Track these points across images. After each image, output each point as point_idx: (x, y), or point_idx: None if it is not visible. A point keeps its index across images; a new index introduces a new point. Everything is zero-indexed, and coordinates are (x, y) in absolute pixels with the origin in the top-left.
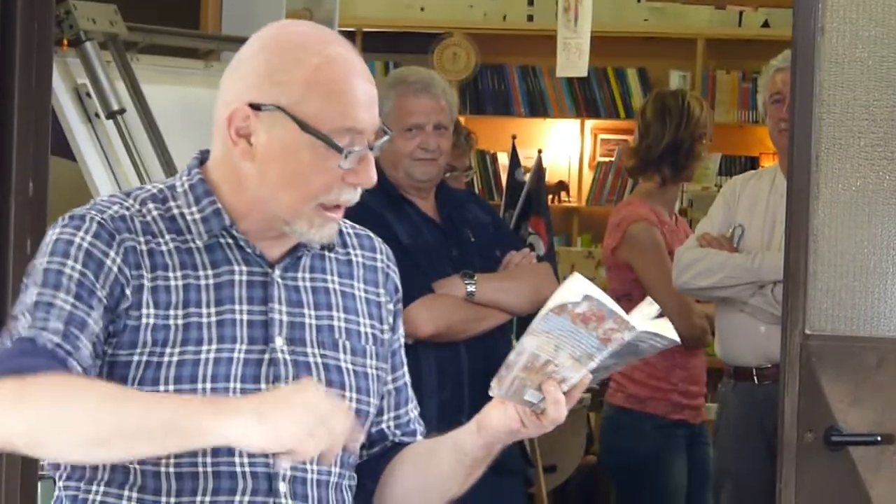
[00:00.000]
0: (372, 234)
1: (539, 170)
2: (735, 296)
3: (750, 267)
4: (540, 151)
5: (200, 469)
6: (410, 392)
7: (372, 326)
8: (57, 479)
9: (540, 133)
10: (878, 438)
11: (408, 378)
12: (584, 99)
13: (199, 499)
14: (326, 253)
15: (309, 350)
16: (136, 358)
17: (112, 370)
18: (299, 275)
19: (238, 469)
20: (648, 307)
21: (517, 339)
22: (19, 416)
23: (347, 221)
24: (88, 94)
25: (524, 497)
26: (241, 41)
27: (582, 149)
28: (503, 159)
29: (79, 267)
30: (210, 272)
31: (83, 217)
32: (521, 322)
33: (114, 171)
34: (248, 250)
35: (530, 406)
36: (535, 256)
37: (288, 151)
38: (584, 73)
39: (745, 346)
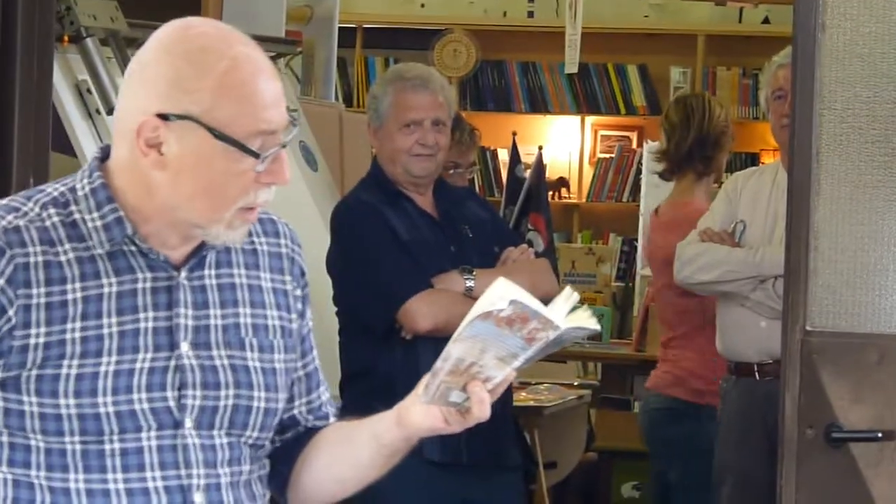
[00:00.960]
0: (276, 218)
1: (539, 166)
2: (736, 290)
3: (751, 261)
4: (540, 148)
5: (111, 486)
6: (321, 375)
7: (280, 318)
8: None
9: (540, 129)
10: (879, 435)
11: (317, 362)
12: (585, 95)
13: None
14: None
15: (215, 353)
16: (25, 373)
17: (5, 387)
18: (206, 272)
19: (150, 485)
20: (566, 299)
21: None
22: None
23: None
24: (89, 90)
25: (524, 493)
26: None
27: (582, 145)
28: (503, 156)
29: None
30: (114, 279)
31: None
32: None
33: None
34: (153, 257)
35: (455, 406)
36: (534, 253)
37: (201, 160)
38: (575, 69)
39: (746, 342)
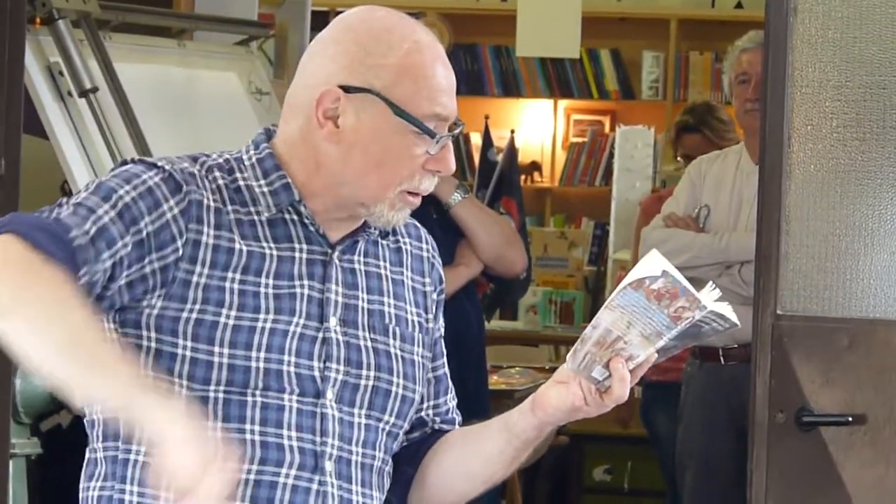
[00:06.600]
0: (418, 224)
1: (512, 150)
2: (702, 276)
3: (717, 247)
4: (513, 131)
5: (248, 437)
6: (450, 382)
7: (418, 315)
8: (90, 441)
9: (513, 113)
10: (850, 419)
11: (447, 368)
12: (558, 79)
13: (245, 466)
14: (380, 240)
15: (360, 333)
16: (185, 315)
17: (161, 322)
18: (356, 258)
19: (286, 442)
20: (711, 290)
21: (486, 313)
22: (8, 292)
23: None
24: (61, 73)
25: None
26: (213, 20)
27: (555, 129)
28: (476, 139)
29: (134, 193)
30: (273, 244)
31: (154, 164)
32: (489, 300)
33: (86, 150)
34: (312, 229)
35: (595, 383)
36: None
37: (377, 135)
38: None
39: None
